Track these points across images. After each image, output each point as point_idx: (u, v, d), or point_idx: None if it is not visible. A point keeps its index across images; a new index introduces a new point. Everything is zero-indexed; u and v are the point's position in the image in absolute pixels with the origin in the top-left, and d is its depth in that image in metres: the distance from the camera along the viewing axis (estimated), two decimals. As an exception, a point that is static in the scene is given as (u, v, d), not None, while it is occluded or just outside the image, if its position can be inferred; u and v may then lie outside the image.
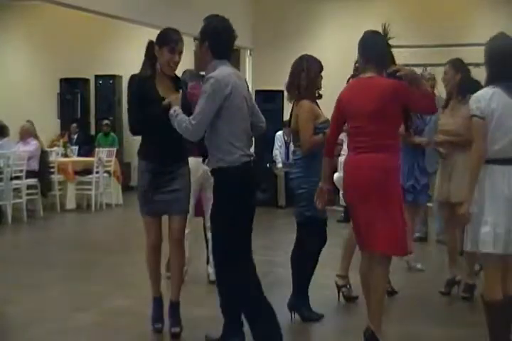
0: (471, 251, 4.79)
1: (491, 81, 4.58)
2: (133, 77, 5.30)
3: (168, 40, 5.17)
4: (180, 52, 5.21)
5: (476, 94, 4.59)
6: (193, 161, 5.71)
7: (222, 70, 4.73)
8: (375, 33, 5.09)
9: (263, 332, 4.85)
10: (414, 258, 7.74)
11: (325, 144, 5.28)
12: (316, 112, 5.79)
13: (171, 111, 4.86)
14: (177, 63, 5.24)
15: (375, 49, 4.97)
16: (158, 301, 5.53)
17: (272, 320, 4.86)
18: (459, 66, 6.62)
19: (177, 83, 5.34)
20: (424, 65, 12.21)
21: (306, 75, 5.78)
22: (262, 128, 5.12)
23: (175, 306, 5.43)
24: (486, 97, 4.48)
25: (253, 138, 5.18)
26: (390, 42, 5.43)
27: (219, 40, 4.80)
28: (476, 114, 4.52)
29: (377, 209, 4.80)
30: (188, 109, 4.94)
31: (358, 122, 4.88)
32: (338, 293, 6.50)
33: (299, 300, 5.92)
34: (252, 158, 4.80)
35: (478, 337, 4.93)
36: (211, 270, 6.86)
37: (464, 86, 6.47)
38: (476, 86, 5.67)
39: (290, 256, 6.09)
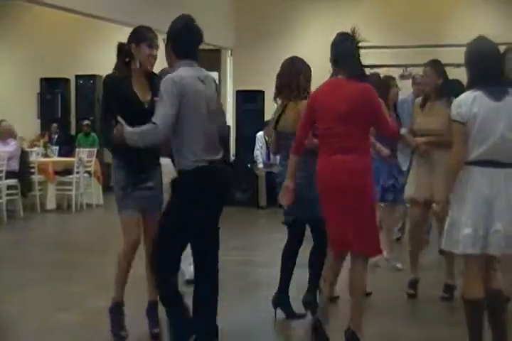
0: (450, 252, 4.83)
1: (473, 84, 4.59)
2: (109, 78, 5.27)
3: (144, 36, 5.19)
4: (157, 48, 5.21)
5: (457, 99, 4.60)
6: (165, 162, 5.70)
7: (181, 71, 4.66)
8: (344, 35, 5.11)
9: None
10: (394, 257, 7.78)
11: (294, 142, 5.31)
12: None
13: (126, 135, 4.66)
14: (156, 58, 5.23)
15: (342, 51, 5.02)
16: (120, 307, 5.39)
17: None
18: (440, 70, 6.64)
19: (153, 80, 5.26)
20: (406, 65, 12.30)
21: (304, 77, 5.83)
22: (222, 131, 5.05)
23: (153, 306, 5.40)
24: (468, 102, 4.50)
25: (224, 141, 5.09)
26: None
27: (180, 41, 4.73)
28: (456, 119, 4.54)
29: (348, 209, 4.85)
30: None
31: (327, 123, 4.93)
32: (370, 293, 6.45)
33: (285, 298, 5.93)
34: (209, 164, 4.64)
35: (457, 336, 4.96)
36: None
37: (445, 88, 6.52)
38: (459, 88, 5.70)
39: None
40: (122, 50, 5.27)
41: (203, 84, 4.72)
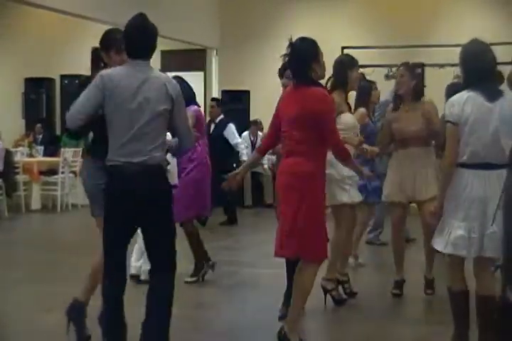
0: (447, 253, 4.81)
1: (467, 85, 4.62)
2: (81, 83, 5.07)
3: (112, 43, 5.05)
4: None
5: (450, 99, 4.63)
6: None
7: (116, 68, 4.62)
8: (302, 39, 5.12)
9: None
10: (357, 255, 7.89)
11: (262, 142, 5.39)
12: None
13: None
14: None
15: (298, 56, 5.03)
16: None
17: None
18: (413, 71, 6.73)
19: None
20: (391, 66, 12.31)
21: None
22: (187, 145, 4.93)
23: None
24: (460, 102, 4.52)
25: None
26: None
27: (132, 41, 4.61)
28: (449, 119, 4.56)
29: (296, 212, 4.83)
30: None
31: (285, 127, 4.99)
32: (325, 296, 6.35)
33: None
34: (121, 163, 4.50)
35: (443, 335, 4.98)
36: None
37: (419, 90, 6.61)
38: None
39: None
40: (96, 55, 5.17)
41: (139, 82, 4.52)
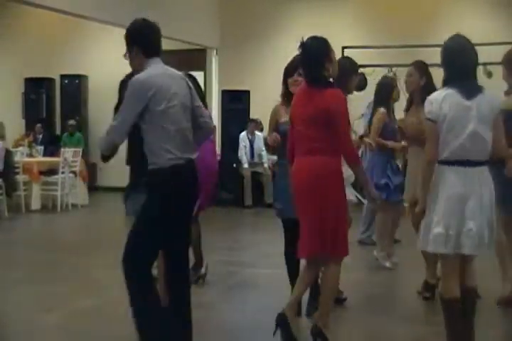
0: (430, 252, 4.85)
1: (446, 82, 4.61)
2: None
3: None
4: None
5: (429, 97, 4.61)
6: None
7: (150, 71, 4.60)
8: (313, 38, 5.07)
9: None
10: (384, 256, 7.82)
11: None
12: (275, 112, 5.84)
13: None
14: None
15: (310, 55, 5.00)
16: None
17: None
18: (424, 70, 6.67)
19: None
20: (390, 66, 12.33)
21: None
22: (206, 129, 4.92)
23: None
24: (439, 100, 4.51)
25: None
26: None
27: (147, 40, 4.64)
28: (427, 117, 4.56)
29: (317, 211, 4.89)
30: None
31: (299, 126, 4.99)
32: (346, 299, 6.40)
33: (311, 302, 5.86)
34: (184, 162, 4.59)
35: (442, 334, 4.97)
36: None
37: (428, 90, 6.57)
38: None
39: None
40: None
41: (175, 80, 4.64)
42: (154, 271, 5.58)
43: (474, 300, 4.80)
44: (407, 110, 6.71)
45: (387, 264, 7.78)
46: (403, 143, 7.28)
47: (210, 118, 4.99)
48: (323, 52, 4.99)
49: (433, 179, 4.56)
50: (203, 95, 7.10)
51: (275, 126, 5.78)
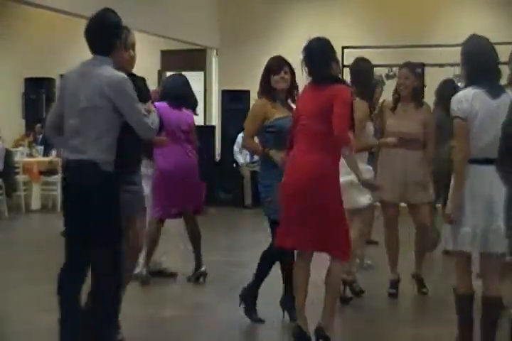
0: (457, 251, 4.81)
1: (471, 82, 4.62)
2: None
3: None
4: (132, 47, 4.96)
5: (457, 95, 4.62)
6: None
7: (74, 67, 4.78)
8: (318, 39, 5.14)
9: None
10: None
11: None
12: (262, 110, 5.77)
13: None
14: (133, 57, 4.98)
15: (315, 55, 5.05)
16: None
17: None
18: (416, 71, 6.74)
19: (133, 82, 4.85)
20: (390, 66, 12.33)
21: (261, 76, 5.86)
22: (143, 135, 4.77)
23: None
24: (468, 98, 4.52)
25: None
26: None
27: (93, 36, 4.70)
28: (457, 115, 4.56)
29: (313, 208, 4.91)
30: None
31: (304, 120, 5.02)
32: (345, 288, 6.47)
33: (288, 300, 5.84)
34: (66, 159, 4.63)
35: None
36: None
37: (418, 90, 6.62)
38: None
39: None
40: None
41: (80, 78, 4.65)
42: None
43: (498, 311, 4.67)
44: (394, 109, 6.68)
45: (369, 261, 7.89)
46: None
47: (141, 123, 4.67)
48: (328, 52, 5.08)
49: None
50: (186, 92, 7.17)
51: (262, 123, 5.73)
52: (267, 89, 5.78)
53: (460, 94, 4.63)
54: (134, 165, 5.03)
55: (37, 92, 17.37)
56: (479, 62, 4.61)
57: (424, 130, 6.51)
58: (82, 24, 4.69)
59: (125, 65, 4.86)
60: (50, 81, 17.37)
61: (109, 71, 4.57)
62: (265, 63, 5.86)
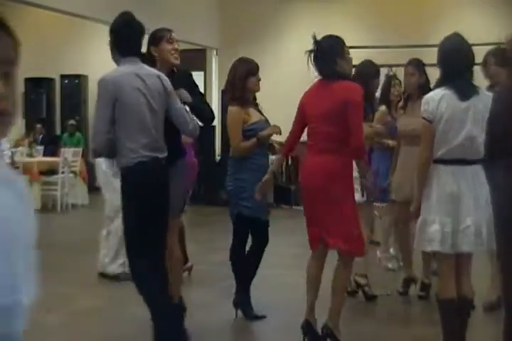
0: (427, 251, 4.86)
1: (443, 82, 4.58)
2: None
3: (161, 35, 5.15)
4: (176, 41, 5.19)
5: (426, 97, 4.59)
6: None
7: (119, 69, 4.68)
8: (330, 37, 5.11)
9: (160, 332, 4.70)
10: (387, 257, 7.83)
11: (285, 142, 5.33)
12: (241, 117, 5.79)
13: None
14: (177, 50, 5.19)
15: (323, 52, 5.00)
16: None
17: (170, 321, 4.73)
18: (422, 68, 6.69)
19: (173, 76, 5.11)
20: (390, 66, 12.31)
21: (231, 80, 5.87)
22: (189, 132, 5.02)
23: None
24: (435, 99, 4.49)
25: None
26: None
27: (121, 38, 4.71)
28: (423, 116, 4.55)
29: (328, 208, 4.91)
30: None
31: (313, 123, 4.99)
32: (357, 292, 6.56)
33: (243, 298, 5.91)
34: (148, 159, 4.60)
35: (436, 335, 4.98)
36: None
37: (425, 88, 6.58)
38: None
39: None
40: (144, 59, 5.21)
41: (141, 81, 4.63)
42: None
43: (468, 311, 4.73)
44: (404, 107, 6.70)
45: (390, 265, 7.79)
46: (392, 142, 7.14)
47: (189, 120, 4.93)
48: (337, 49, 5.03)
49: (427, 178, 4.56)
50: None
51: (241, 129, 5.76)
52: (241, 93, 5.77)
53: (429, 95, 4.59)
54: None
55: (37, 92, 17.39)
56: (451, 62, 4.56)
57: None
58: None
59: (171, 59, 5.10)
60: (50, 81, 17.40)
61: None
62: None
